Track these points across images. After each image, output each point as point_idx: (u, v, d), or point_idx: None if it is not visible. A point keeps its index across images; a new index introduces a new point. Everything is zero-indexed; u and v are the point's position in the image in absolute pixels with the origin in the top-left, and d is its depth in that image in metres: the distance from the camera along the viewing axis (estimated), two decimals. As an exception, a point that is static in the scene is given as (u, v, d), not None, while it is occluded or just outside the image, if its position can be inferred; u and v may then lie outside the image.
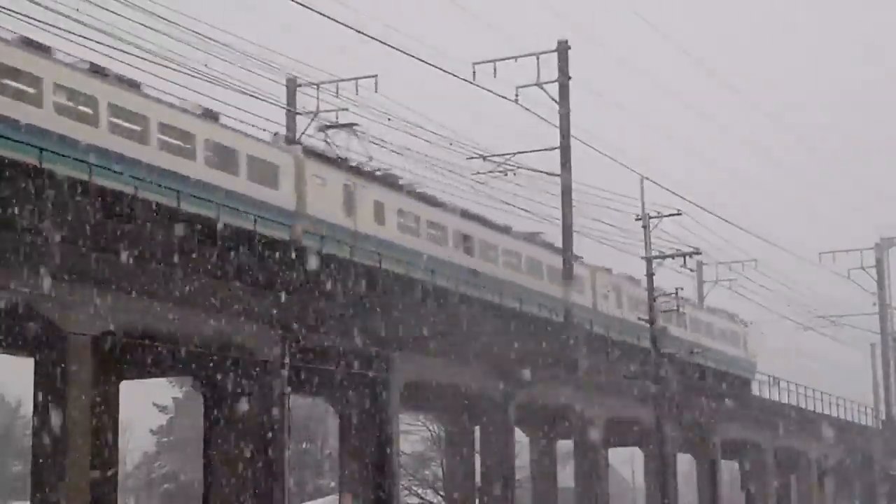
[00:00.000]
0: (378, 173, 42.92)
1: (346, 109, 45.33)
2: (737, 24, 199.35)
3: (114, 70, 33.50)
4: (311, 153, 40.17)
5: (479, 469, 48.04)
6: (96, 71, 32.33)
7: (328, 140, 44.14)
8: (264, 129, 39.35)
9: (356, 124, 44.05)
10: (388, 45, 35.63)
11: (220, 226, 33.78)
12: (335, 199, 39.73)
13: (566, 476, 59.70)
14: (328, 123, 44.49)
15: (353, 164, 42.41)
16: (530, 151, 49.80)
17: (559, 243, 51.28)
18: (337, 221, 39.55)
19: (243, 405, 34.86)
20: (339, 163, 41.33)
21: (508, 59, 47.45)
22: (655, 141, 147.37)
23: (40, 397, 29.68)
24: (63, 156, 30.08)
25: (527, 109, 47.67)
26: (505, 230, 49.44)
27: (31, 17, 31.26)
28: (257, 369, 34.61)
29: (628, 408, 52.24)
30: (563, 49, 48.79)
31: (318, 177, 39.17)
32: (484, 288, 45.20)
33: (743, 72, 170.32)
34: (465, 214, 47.04)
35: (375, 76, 44.74)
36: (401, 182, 43.75)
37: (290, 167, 38.13)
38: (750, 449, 65.27)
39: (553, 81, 48.50)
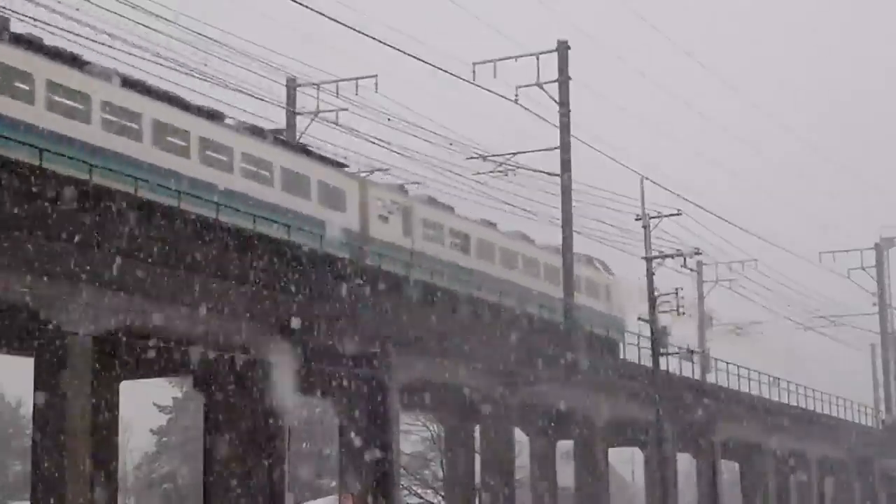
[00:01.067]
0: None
1: (346, 109, 45.43)
2: (737, 24, 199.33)
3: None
4: None
5: (479, 469, 48.07)
6: None
7: None
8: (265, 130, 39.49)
9: None
10: (388, 45, 35.60)
11: (219, 225, 33.75)
12: None
13: (566, 476, 59.70)
14: None
15: None
16: (530, 151, 49.83)
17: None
18: None
19: (243, 405, 34.88)
20: None
21: (508, 59, 47.46)
22: (655, 141, 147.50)
23: (40, 397, 29.69)
24: (63, 156, 30.11)
25: (527, 109, 47.70)
26: (256, 132, 38.05)
27: (32, 18, 31.36)
28: (257, 369, 34.63)
29: (628, 408, 52.25)
30: (563, 49, 48.79)
31: None
32: (207, 202, 34.04)
33: (743, 72, 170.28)
34: (169, 99, 34.82)
35: (375, 76, 44.81)
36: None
37: None
38: (750, 449, 65.29)
39: (553, 81, 48.50)
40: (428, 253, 43.28)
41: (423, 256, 42.93)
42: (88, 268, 28.76)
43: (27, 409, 56.14)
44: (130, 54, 34.56)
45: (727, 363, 61.78)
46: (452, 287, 43.03)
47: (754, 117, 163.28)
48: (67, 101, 31.32)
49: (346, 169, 42.09)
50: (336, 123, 45.68)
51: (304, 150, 40.32)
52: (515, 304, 45.85)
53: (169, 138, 34.10)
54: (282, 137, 40.32)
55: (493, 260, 47.86)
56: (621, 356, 53.14)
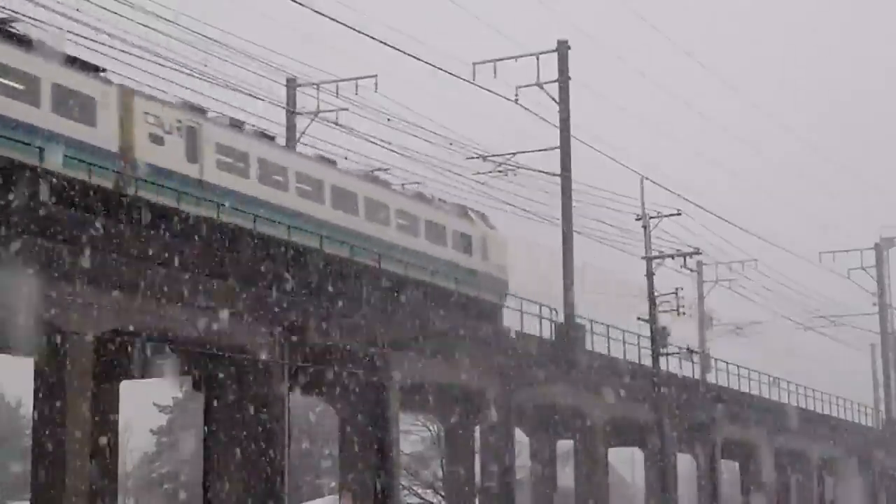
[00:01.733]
0: None
1: (346, 109, 45.42)
2: (737, 24, 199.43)
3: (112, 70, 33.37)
4: None
5: (479, 469, 48.05)
6: None
7: None
8: (265, 130, 39.46)
9: None
10: (388, 45, 35.59)
11: (219, 224, 33.72)
12: None
13: (566, 476, 59.70)
14: None
15: None
16: (530, 151, 49.82)
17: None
18: None
19: (243, 405, 34.87)
20: None
21: (508, 59, 47.46)
22: (655, 141, 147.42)
23: (40, 397, 29.68)
24: (63, 156, 30.07)
25: (527, 109, 47.69)
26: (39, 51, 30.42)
27: (31, 18, 31.35)
28: (257, 369, 34.63)
29: (628, 408, 52.21)
30: (563, 49, 48.79)
31: None
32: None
33: (743, 72, 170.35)
34: None
35: (375, 76, 44.80)
36: None
37: None
38: (750, 449, 65.27)
39: (553, 81, 48.49)
40: (225, 186, 35.28)
41: (217, 190, 34.94)
42: (88, 268, 28.77)
43: (27, 409, 56.13)
44: (130, 54, 34.57)
45: (727, 363, 61.83)
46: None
47: (754, 117, 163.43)
48: None
49: (103, 74, 32.92)
50: (336, 123, 45.69)
51: (31, 44, 30.68)
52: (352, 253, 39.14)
53: None
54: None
55: (323, 201, 39.30)
56: (503, 324, 46.19)
